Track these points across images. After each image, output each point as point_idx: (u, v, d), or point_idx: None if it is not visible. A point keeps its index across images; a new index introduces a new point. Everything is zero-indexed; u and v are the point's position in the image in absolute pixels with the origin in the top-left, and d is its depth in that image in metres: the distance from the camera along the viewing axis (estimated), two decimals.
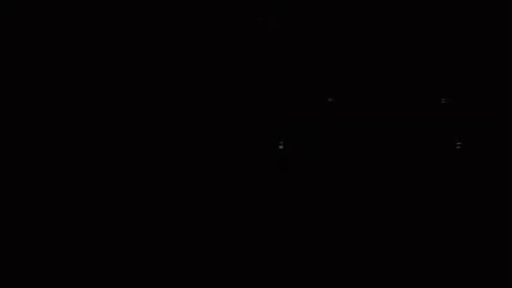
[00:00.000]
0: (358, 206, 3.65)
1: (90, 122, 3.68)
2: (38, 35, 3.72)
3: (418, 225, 3.60)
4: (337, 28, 3.83)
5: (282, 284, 3.45)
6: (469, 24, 3.83)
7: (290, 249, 3.55)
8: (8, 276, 3.41)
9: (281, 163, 3.67)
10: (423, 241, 3.56)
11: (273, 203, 3.63)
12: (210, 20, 3.79)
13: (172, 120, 3.72)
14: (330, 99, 3.79)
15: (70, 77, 3.73)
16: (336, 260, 3.52)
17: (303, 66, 3.82)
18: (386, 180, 3.68)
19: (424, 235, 3.57)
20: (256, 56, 3.79)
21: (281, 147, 3.63)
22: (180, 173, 3.65)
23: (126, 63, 3.74)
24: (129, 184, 3.62)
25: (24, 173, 3.60)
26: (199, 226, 3.59)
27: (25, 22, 3.70)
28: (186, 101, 3.75)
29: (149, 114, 3.72)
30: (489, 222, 3.59)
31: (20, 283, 3.42)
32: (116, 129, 3.68)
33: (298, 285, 3.45)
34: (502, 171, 3.66)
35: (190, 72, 3.78)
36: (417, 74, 3.84)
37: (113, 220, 3.56)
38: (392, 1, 3.83)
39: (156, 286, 3.45)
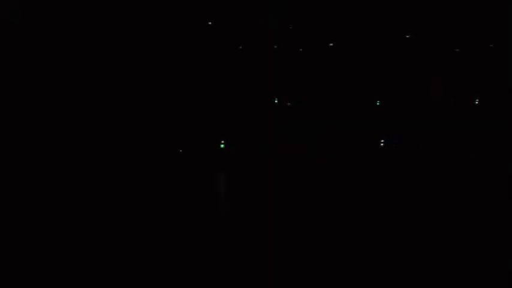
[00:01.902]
0: (358, 206, 3.64)
1: (89, 121, 3.69)
2: (38, 35, 3.73)
3: (417, 224, 3.60)
4: (337, 28, 3.84)
5: (281, 284, 3.44)
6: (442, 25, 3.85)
7: (289, 249, 3.54)
8: (8, 276, 3.41)
9: (222, 162, 3.66)
10: (423, 240, 3.55)
11: (272, 203, 3.63)
12: (210, 20, 3.79)
13: (172, 119, 3.72)
14: (329, 98, 3.80)
15: (69, 76, 3.73)
16: (334, 259, 3.51)
17: (302, 66, 3.82)
18: (386, 180, 3.69)
19: (423, 234, 3.57)
20: (256, 56, 3.80)
21: (222, 145, 3.62)
22: (178, 172, 3.65)
23: (125, 62, 3.75)
24: (117, 183, 3.62)
25: (23, 172, 3.61)
26: (196, 224, 3.59)
27: (25, 22, 3.71)
28: (185, 100, 3.75)
29: (146, 113, 3.73)
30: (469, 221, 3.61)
31: (20, 283, 3.42)
32: (102, 124, 3.68)
33: (298, 285, 3.44)
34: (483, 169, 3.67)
35: (189, 72, 3.78)
36: (418, 74, 3.85)
37: (104, 219, 3.57)
38: (391, 1, 3.84)
39: (154, 286, 3.44)
